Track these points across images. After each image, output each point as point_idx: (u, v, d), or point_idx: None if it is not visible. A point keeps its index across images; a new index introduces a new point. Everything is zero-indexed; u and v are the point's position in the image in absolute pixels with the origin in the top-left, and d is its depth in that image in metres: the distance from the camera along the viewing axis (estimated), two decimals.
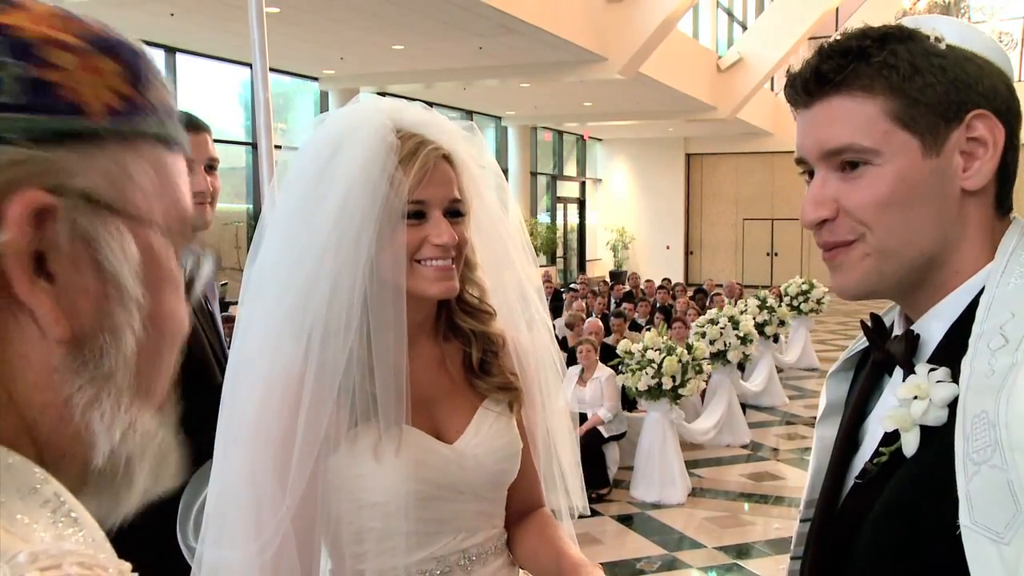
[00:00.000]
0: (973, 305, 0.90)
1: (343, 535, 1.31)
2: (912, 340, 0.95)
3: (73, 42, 0.52)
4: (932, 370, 0.90)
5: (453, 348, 1.41)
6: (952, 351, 0.89)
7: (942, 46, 0.91)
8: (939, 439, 0.87)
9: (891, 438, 0.92)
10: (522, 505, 1.48)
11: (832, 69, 0.92)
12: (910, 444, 0.89)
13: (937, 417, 0.88)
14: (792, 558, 1.14)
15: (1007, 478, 0.78)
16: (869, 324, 1.04)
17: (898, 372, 0.98)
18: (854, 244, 0.94)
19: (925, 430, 0.89)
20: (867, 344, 1.07)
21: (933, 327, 0.95)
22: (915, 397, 0.89)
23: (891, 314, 1.07)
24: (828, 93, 0.93)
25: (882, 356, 1.00)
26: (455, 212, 1.31)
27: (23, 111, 0.49)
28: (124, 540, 0.56)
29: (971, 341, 0.86)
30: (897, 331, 1.01)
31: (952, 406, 0.86)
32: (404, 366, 1.28)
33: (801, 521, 1.13)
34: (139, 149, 0.55)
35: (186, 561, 1.43)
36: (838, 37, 0.95)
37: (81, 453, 0.53)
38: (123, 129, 0.53)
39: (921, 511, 0.87)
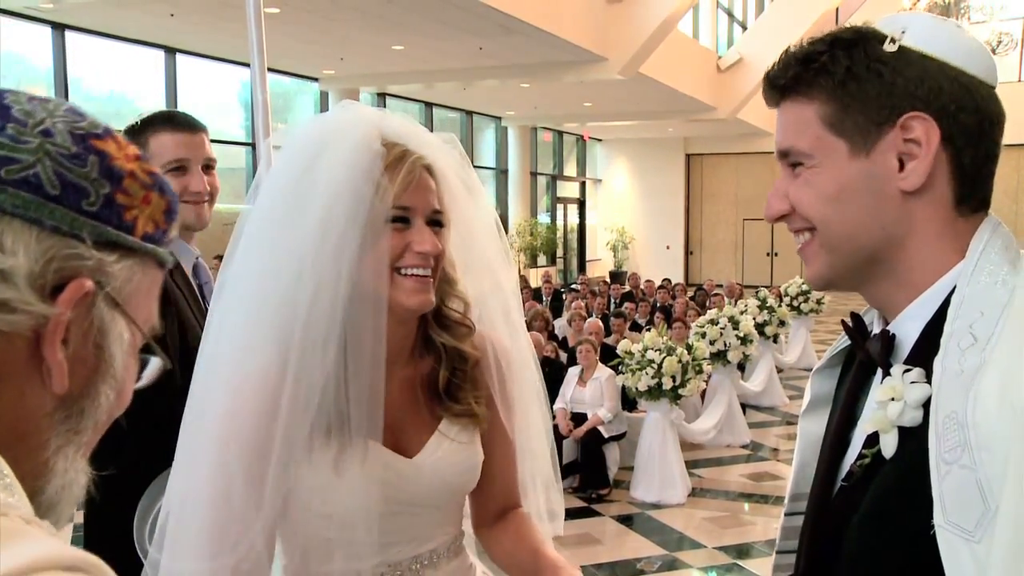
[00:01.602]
0: (946, 305, 0.91)
1: (297, 541, 1.31)
2: (888, 340, 0.97)
3: (144, 179, 0.68)
4: (906, 371, 0.91)
5: (426, 366, 1.39)
6: (927, 351, 0.90)
7: (892, 48, 0.93)
8: (915, 440, 0.87)
9: (873, 440, 0.93)
10: (498, 507, 1.49)
11: (779, 76, 0.99)
12: (888, 446, 0.91)
13: (912, 418, 0.89)
14: (778, 552, 1.16)
15: (976, 477, 0.79)
16: (851, 324, 1.06)
17: (880, 375, 0.98)
18: (814, 238, 1.00)
19: (903, 431, 0.90)
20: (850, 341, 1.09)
21: (908, 328, 0.96)
22: (891, 399, 0.91)
23: (871, 313, 1.08)
24: (782, 98, 1.00)
25: (864, 356, 1.02)
26: (436, 222, 1.30)
27: (98, 220, 0.64)
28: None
29: (942, 341, 0.87)
30: (876, 330, 1.03)
31: (926, 406, 0.87)
32: (381, 380, 1.26)
33: (786, 515, 1.14)
34: (146, 266, 0.69)
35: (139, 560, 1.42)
36: (800, 43, 1.00)
37: (33, 485, 0.63)
38: (148, 250, 0.69)
39: (900, 512, 0.88)
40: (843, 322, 1.07)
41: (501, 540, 1.47)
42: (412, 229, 1.27)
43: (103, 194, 0.65)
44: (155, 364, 0.73)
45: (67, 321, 0.62)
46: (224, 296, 1.31)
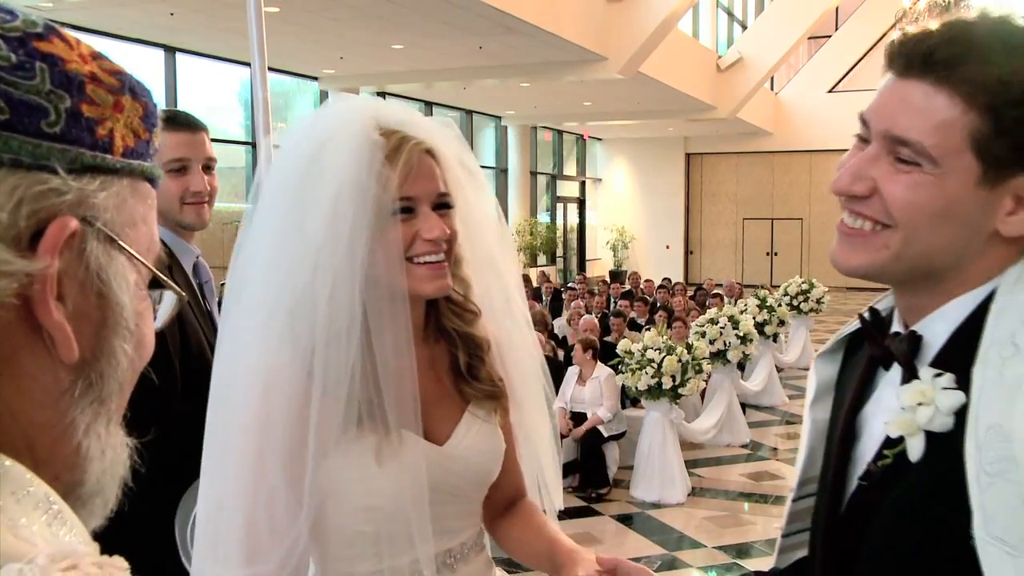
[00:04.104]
0: (979, 311, 0.90)
1: (333, 538, 1.30)
2: (915, 341, 0.95)
3: (109, 81, 0.55)
4: (937, 375, 0.90)
5: (440, 350, 1.39)
6: (957, 356, 0.89)
7: None
8: (947, 445, 0.86)
9: (894, 441, 0.93)
10: (506, 497, 1.51)
11: (947, 58, 0.87)
12: (915, 449, 0.90)
13: (943, 424, 0.87)
14: (784, 535, 1.16)
15: (1022, 492, 0.78)
16: (868, 318, 1.04)
17: (896, 369, 0.98)
18: (883, 233, 0.92)
19: (930, 435, 0.89)
20: (857, 327, 1.07)
21: (937, 329, 0.94)
22: (919, 403, 0.89)
23: (884, 303, 1.07)
24: (929, 78, 0.88)
25: (879, 351, 1.00)
26: (444, 205, 1.30)
27: (66, 142, 0.52)
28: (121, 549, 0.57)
29: (981, 349, 0.85)
30: (896, 326, 1.01)
31: (959, 413, 0.86)
32: (413, 369, 1.27)
33: (794, 500, 1.14)
34: (137, 187, 0.58)
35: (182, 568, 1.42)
36: (971, 18, 0.89)
37: (70, 477, 0.54)
38: (133, 167, 0.57)
39: (933, 518, 0.88)
40: (860, 316, 1.05)
41: (511, 529, 1.49)
42: (419, 217, 1.26)
43: (64, 109, 0.52)
44: (170, 299, 0.63)
45: (57, 273, 0.51)
46: (236, 298, 1.30)
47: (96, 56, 0.55)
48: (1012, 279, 0.89)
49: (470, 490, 1.38)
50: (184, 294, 0.62)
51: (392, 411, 1.26)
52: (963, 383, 0.87)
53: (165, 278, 0.61)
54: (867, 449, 0.98)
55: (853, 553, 0.96)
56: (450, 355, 1.40)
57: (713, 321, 7.60)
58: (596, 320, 8.02)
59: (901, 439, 0.91)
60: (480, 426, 1.38)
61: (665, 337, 6.32)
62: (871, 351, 1.02)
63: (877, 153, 0.92)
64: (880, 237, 0.93)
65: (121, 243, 0.55)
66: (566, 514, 1.59)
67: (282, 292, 1.25)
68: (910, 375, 0.93)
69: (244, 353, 1.27)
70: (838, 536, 1.00)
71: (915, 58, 0.89)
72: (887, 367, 1.00)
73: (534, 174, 20.16)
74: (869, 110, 0.94)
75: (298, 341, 1.24)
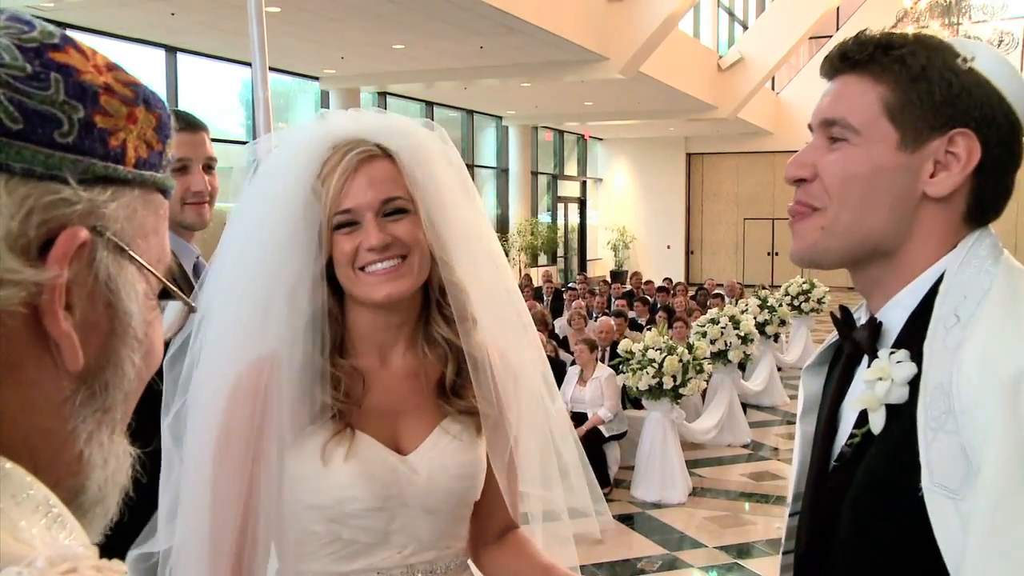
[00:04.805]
0: (931, 294, 0.98)
1: (287, 534, 1.30)
2: (875, 327, 1.03)
3: (123, 92, 0.55)
4: (892, 352, 0.98)
5: (431, 361, 1.37)
6: (913, 336, 0.97)
7: (964, 67, 0.99)
8: (903, 415, 0.94)
9: (862, 420, 0.99)
10: (498, 525, 1.45)
11: (856, 51, 1.03)
12: (876, 423, 0.97)
13: (899, 395, 0.95)
14: (783, 552, 1.18)
15: (959, 440, 0.86)
16: (839, 316, 1.11)
17: (867, 360, 1.04)
18: (814, 215, 1.03)
19: (890, 408, 0.96)
20: (838, 338, 1.14)
21: (894, 315, 1.02)
22: (879, 379, 0.97)
23: (860, 311, 1.13)
24: (847, 71, 1.04)
25: (851, 346, 1.07)
26: (396, 211, 1.27)
27: (78, 153, 0.52)
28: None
29: (930, 326, 0.94)
30: (863, 319, 1.08)
31: (912, 384, 0.94)
32: (327, 374, 1.28)
33: (790, 515, 1.18)
34: (148, 198, 0.58)
35: None
36: (880, 30, 1.06)
37: (71, 484, 0.54)
38: (145, 178, 0.57)
39: (891, 483, 0.94)
40: (832, 314, 1.12)
41: (501, 559, 1.44)
42: (362, 227, 1.26)
43: (78, 119, 0.52)
44: (175, 309, 0.63)
45: (65, 283, 0.51)
46: (205, 298, 1.33)
47: (111, 67, 0.56)
48: (956, 263, 0.98)
49: (440, 505, 1.32)
50: (195, 306, 0.63)
51: (339, 413, 1.28)
52: (917, 358, 0.95)
53: (175, 289, 0.61)
54: (844, 437, 1.04)
55: (831, 534, 1.01)
56: (440, 368, 1.36)
57: (714, 321, 7.59)
58: (611, 321, 7.95)
59: (867, 420, 0.98)
60: (450, 442, 1.33)
61: (666, 337, 6.32)
62: (844, 346, 1.09)
63: (817, 142, 1.05)
64: (813, 219, 1.03)
65: (131, 253, 0.56)
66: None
67: (243, 298, 1.30)
68: (873, 358, 1.00)
69: (212, 361, 1.30)
70: (818, 521, 1.05)
71: (835, 60, 1.05)
72: (859, 361, 1.06)
73: (535, 174, 20.16)
74: (812, 114, 1.07)
75: (256, 345, 1.28)
